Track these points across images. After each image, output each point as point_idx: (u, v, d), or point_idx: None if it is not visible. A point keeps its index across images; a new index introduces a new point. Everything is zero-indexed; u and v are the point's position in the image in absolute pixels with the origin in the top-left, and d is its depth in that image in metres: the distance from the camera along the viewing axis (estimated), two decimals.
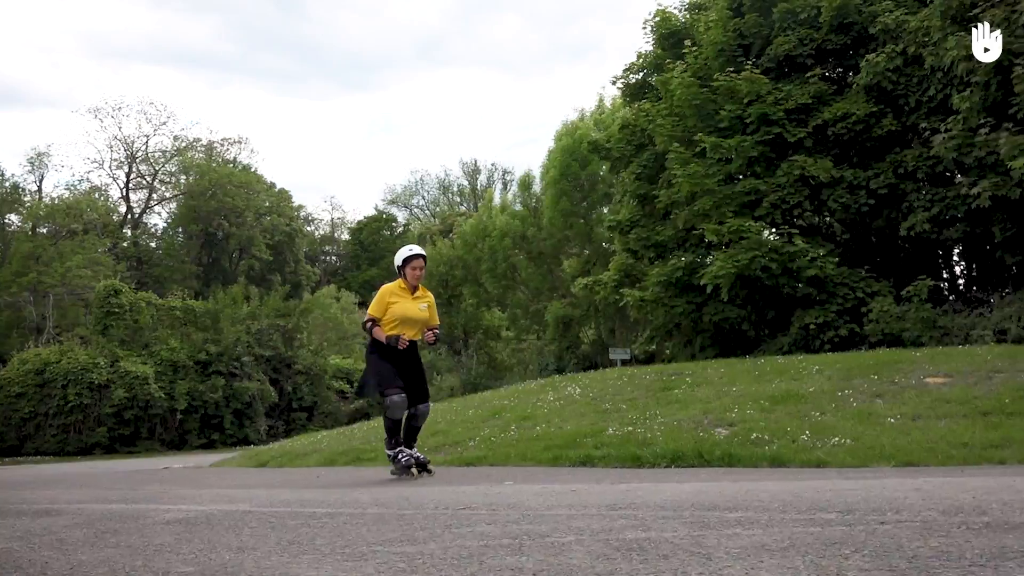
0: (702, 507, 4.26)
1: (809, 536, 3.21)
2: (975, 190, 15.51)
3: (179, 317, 25.40)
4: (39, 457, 23.23)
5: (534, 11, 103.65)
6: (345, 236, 75.25)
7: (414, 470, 7.58)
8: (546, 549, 3.18)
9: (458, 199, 71.64)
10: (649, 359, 22.52)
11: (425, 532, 3.75)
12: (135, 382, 22.18)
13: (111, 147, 62.97)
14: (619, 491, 5.39)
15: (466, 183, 71.34)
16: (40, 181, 55.70)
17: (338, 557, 3.24)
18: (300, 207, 72.35)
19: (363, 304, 57.38)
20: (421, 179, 77.14)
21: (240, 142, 68.81)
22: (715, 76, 18.52)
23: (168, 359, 23.64)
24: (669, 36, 21.85)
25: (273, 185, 64.35)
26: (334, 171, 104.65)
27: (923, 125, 16.88)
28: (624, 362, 23.86)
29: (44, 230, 52.59)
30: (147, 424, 22.99)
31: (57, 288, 45.21)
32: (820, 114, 18.02)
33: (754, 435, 8.87)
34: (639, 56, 22.71)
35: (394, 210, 71.11)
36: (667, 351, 20.84)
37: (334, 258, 76.71)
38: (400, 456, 7.51)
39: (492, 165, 75.05)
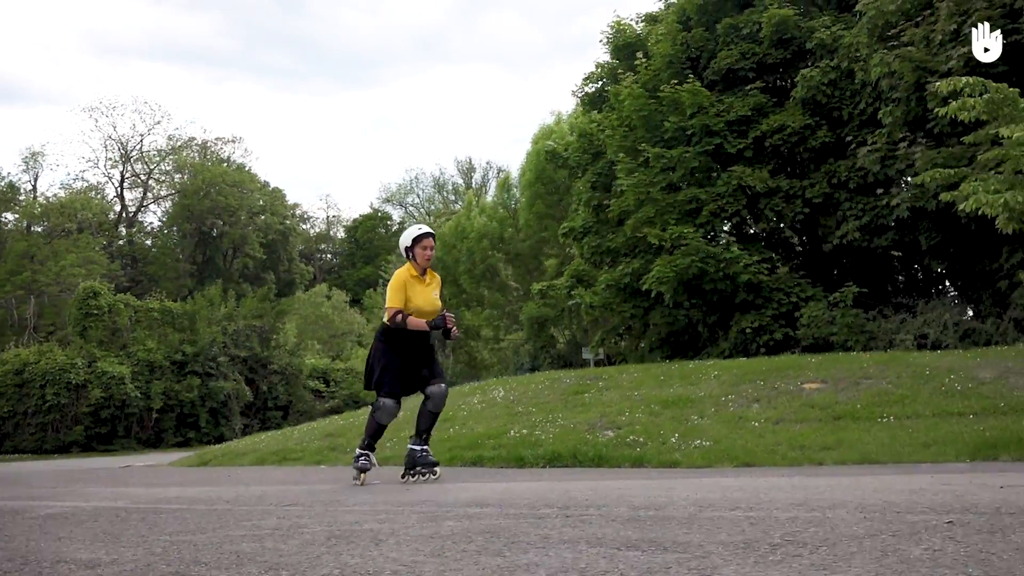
0: (476, 504, 5.11)
1: (500, 526, 4.05)
2: (895, 201, 16.39)
3: (157, 318, 26.31)
4: (17, 455, 24.38)
5: (535, 7, 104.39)
6: (341, 234, 76.37)
7: (364, 476, 7.00)
8: (283, 533, 4.06)
9: (452, 197, 72.44)
10: (614, 360, 23.40)
11: (209, 524, 4.64)
12: (111, 382, 23.10)
13: (106, 146, 63.93)
14: (435, 489, 6.30)
15: (461, 181, 72.17)
16: (35, 180, 56.83)
17: (117, 543, 4.12)
18: (295, 205, 73.53)
19: (355, 302, 58.53)
20: (416, 177, 77.79)
21: (234, 141, 70.02)
22: (660, 88, 19.34)
23: (145, 359, 24.57)
24: (624, 47, 22.71)
25: (267, 184, 65.51)
26: (333, 168, 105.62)
27: (849, 138, 17.72)
28: (597, 362, 24.81)
29: (39, 229, 53.72)
30: (124, 423, 23.91)
31: (52, 287, 46.36)
32: (759, 126, 18.85)
33: (631, 437, 9.77)
34: (597, 66, 23.58)
35: (389, 208, 71.91)
36: (620, 353, 21.73)
37: (330, 256, 77.74)
38: (362, 459, 6.98)
39: (487, 163, 75.68)
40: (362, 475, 6.98)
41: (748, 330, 18.22)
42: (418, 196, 73.81)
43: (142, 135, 60.02)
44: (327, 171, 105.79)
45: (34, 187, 57.26)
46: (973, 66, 15.10)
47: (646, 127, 19.86)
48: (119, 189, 59.67)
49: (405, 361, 6.92)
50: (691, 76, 19.74)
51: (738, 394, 11.22)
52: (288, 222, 66.43)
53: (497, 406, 12.82)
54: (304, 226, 76.00)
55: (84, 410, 22.91)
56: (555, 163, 25.13)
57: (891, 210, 16.89)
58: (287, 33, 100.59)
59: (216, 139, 63.03)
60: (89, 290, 25.13)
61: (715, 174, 19.13)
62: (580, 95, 24.23)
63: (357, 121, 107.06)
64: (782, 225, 19.00)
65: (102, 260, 51.56)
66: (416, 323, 6.78)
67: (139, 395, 23.54)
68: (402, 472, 7.11)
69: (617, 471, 8.60)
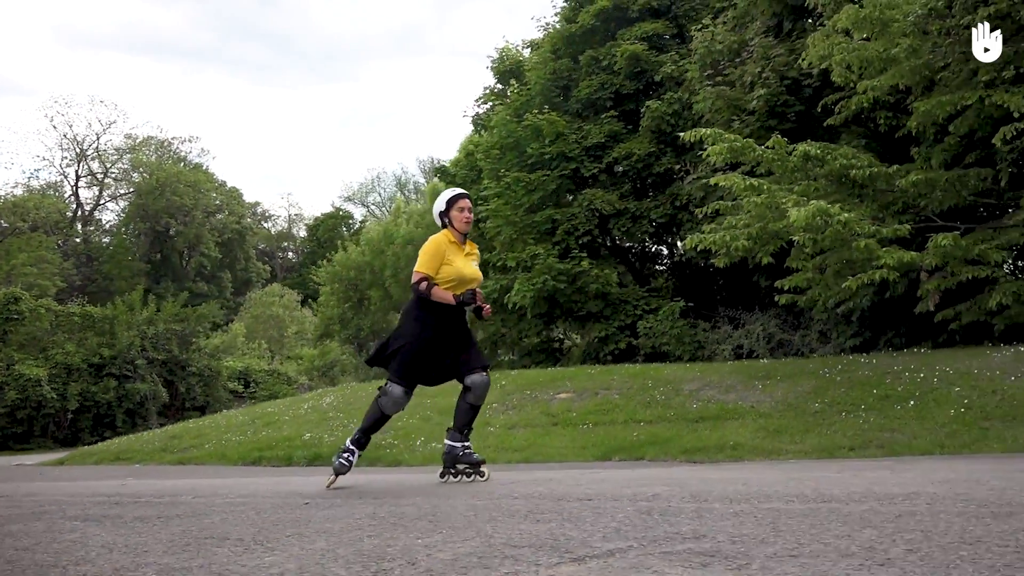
0: (174, 493, 7.22)
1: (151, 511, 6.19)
2: (713, 225, 18.59)
3: (77, 323, 28.44)
4: None
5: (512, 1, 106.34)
6: (303, 232, 78.36)
7: (335, 478, 6.20)
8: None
9: (415, 196, 74.35)
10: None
11: None
12: (28, 384, 25.17)
13: (61, 145, 65.96)
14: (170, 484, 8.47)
15: (423, 181, 74.06)
16: None
17: None
18: (256, 204, 75.69)
19: (314, 298, 60.58)
20: (378, 176, 79.86)
21: (191, 140, 72.15)
22: (524, 116, 21.52)
23: (63, 362, 26.65)
24: (507, 72, 24.88)
25: (224, 183, 67.50)
26: (303, 164, 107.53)
27: (677, 166, 19.93)
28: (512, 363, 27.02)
29: None
30: (40, 423, 25.97)
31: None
32: (612, 152, 21.04)
33: (393, 440, 11.99)
34: (484, 89, 25.75)
35: (351, 207, 73.77)
36: (497, 362, 23.90)
37: (291, 254, 79.73)
38: (345, 456, 6.14)
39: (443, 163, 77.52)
40: (335, 477, 6.17)
41: (597, 339, 20.42)
42: (379, 195, 75.78)
43: (98, 134, 62.00)
44: (296, 167, 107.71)
45: None
46: (771, 107, 17.39)
47: (514, 152, 22.01)
48: (74, 188, 61.63)
49: (433, 343, 6.03)
50: (559, 103, 21.93)
51: (503, 402, 13.40)
52: (245, 221, 68.42)
53: (317, 412, 14.98)
54: (266, 224, 78.16)
55: (0, 411, 24.98)
56: (444, 179, 27.25)
57: None
58: (261, 26, 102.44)
59: (172, 138, 64.96)
60: (10, 295, 27.19)
61: (571, 196, 21.31)
62: (471, 116, 26.40)
63: (329, 117, 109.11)
64: (628, 244, 21.16)
65: (55, 260, 53.42)
66: (442, 295, 5.97)
67: (55, 396, 25.58)
68: (441, 471, 6.38)
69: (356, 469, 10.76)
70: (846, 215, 11.12)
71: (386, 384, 6.06)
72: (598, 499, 4.40)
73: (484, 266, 22.51)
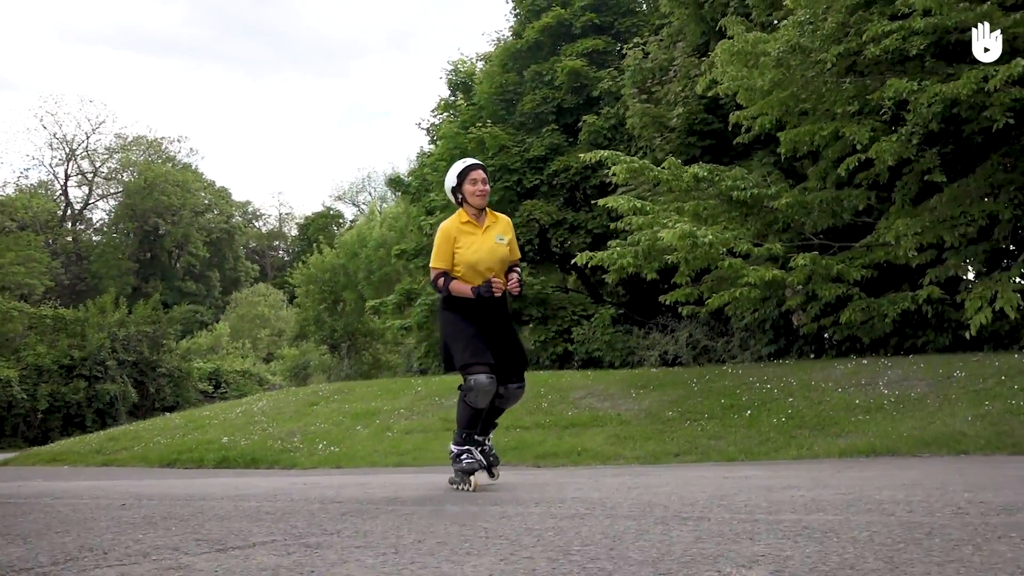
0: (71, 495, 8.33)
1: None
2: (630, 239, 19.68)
3: (50, 325, 29.65)
4: None
5: None
6: (294, 231, 79.53)
7: (474, 478, 5.69)
8: None
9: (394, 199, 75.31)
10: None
11: None
12: None
13: (51, 145, 67.25)
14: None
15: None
16: None
17: None
18: (247, 202, 77.03)
19: (293, 300, 61.78)
20: (368, 176, 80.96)
21: (180, 140, 73.46)
22: (468, 128, 22.61)
23: (34, 364, 27.86)
24: (459, 85, 25.97)
25: (213, 183, 68.78)
26: (299, 162, 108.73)
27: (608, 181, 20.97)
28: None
29: None
30: (11, 423, 27.20)
31: None
32: (552, 164, 22.12)
33: (293, 443, 13.11)
34: (439, 100, 26.85)
35: (341, 206, 74.78)
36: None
37: (282, 253, 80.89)
38: (465, 457, 5.67)
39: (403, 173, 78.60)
40: (470, 478, 5.66)
41: (536, 344, 21.52)
42: (370, 195, 76.82)
43: (87, 133, 63.26)
44: (291, 165, 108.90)
45: None
46: (690, 125, 18.45)
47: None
48: (63, 187, 62.86)
49: (481, 327, 5.63)
50: (505, 116, 23.02)
51: (410, 407, 14.52)
52: (234, 221, 69.66)
53: (248, 415, 16.10)
54: (256, 223, 79.46)
55: None
56: (396, 188, 28.33)
57: None
58: (257, 23, 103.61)
59: (161, 138, 66.16)
60: None
61: (513, 207, 22.39)
62: (426, 126, 27.49)
63: (326, 115, 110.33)
64: (568, 252, 22.25)
65: (43, 259, 54.48)
66: (460, 288, 5.60)
67: (25, 397, 26.77)
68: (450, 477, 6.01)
69: (254, 471, 11.93)
70: (711, 236, 12.19)
71: (467, 380, 5.51)
72: (283, 500, 5.36)
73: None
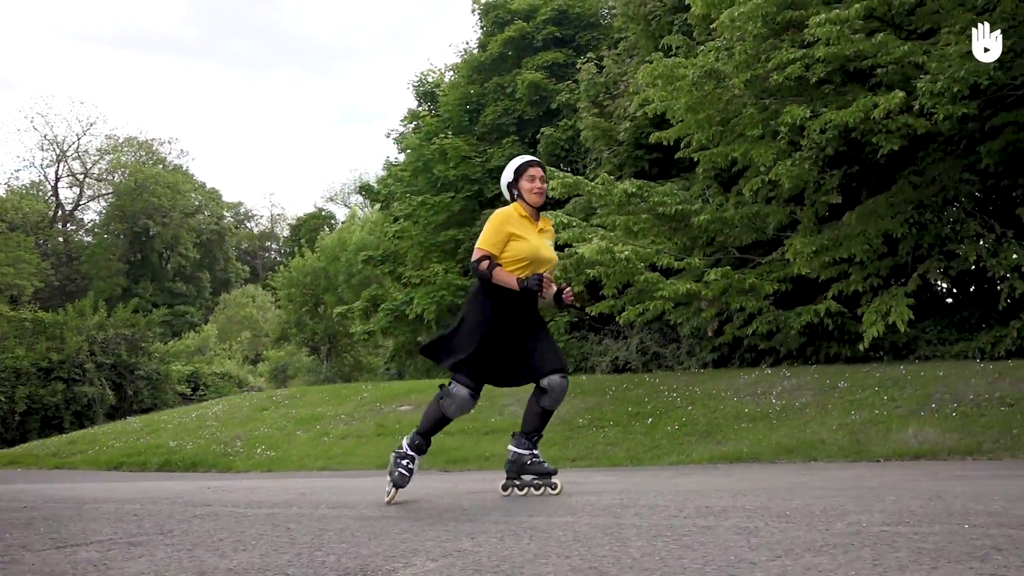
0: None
1: None
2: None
3: (29, 328, 30.51)
4: None
5: None
6: (286, 232, 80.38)
7: (395, 492, 5.46)
8: None
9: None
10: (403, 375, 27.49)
11: None
12: None
13: (42, 146, 68.25)
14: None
15: None
16: None
17: None
18: (239, 203, 77.95)
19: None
20: (360, 177, 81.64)
21: (170, 142, 74.41)
22: (432, 140, 23.44)
23: (12, 366, 28.73)
24: (427, 95, 26.81)
25: (203, 184, 69.77)
26: (296, 162, 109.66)
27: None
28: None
29: None
30: None
31: None
32: None
33: (241, 448, 13.92)
34: (408, 111, 27.71)
35: (334, 207, 75.54)
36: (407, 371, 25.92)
37: (274, 254, 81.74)
38: (400, 463, 5.42)
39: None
40: (394, 490, 5.46)
41: None
42: (361, 196, 77.49)
43: (78, 135, 64.10)
44: (288, 165, 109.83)
45: None
46: (636, 139, 19.23)
47: (424, 174, 23.95)
48: (54, 188, 63.73)
49: (501, 333, 5.35)
50: (468, 127, 23.85)
51: (351, 413, 15.32)
52: (224, 222, 70.58)
53: (201, 420, 16.89)
54: (248, 224, 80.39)
55: None
56: (366, 195, 29.20)
57: None
58: (253, 22, 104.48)
59: (151, 139, 67.06)
60: None
61: (474, 215, 23.22)
62: (395, 136, 28.34)
63: (323, 114, 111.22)
64: None
65: (33, 260, 55.42)
66: (504, 278, 5.28)
67: (3, 399, 27.64)
68: (503, 482, 5.74)
69: (192, 473, 12.75)
70: (628, 251, 12.99)
71: (449, 384, 5.30)
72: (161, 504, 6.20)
73: (409, 279, 24.60)
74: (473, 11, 25.69)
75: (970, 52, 11.05)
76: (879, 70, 11.91)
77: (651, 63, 14.02)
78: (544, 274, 5.28)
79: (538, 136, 22.72)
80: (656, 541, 3.18)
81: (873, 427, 9.38)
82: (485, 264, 5.31)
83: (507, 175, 5.72)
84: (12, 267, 52.61)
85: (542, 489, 5.43)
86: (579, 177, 15.67)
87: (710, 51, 13.54)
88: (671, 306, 13.56)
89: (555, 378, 5.30)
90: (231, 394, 35.62)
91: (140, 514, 4.94)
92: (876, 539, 3.06)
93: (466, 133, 23.92)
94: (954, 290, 13.34)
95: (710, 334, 14.55)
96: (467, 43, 26.99)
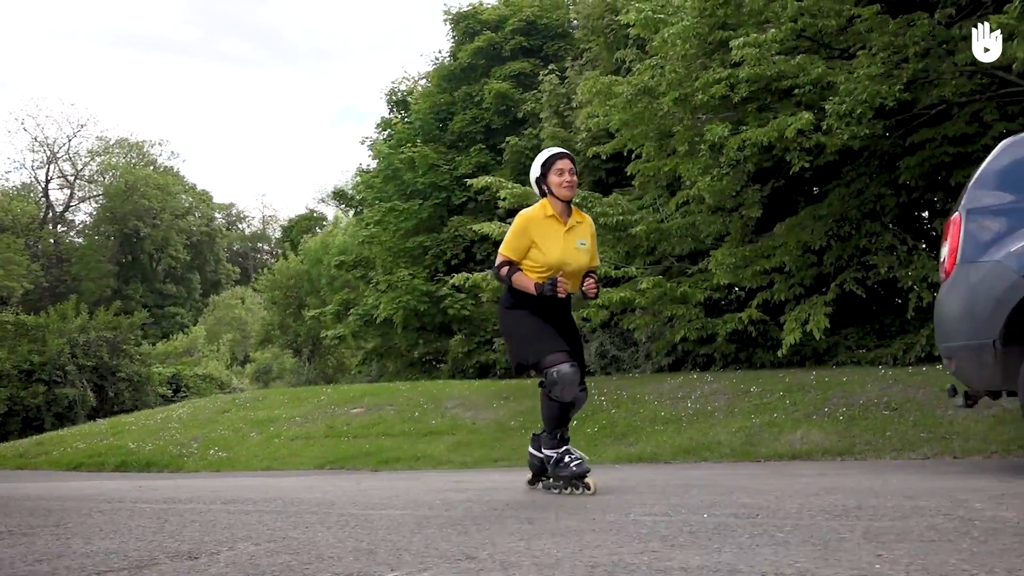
0: None
1: None
2: None
3: (11, 331, 31.24)
4: None
5: None
6: (277, 233, 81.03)
7: (590, 478, 5.28)
8: None
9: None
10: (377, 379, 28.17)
11: None
12: None
13: (32, 148, 69.09)
14: None
15: None
16: None
17: None
18: (231, 204, 78.75)
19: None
20: (345, 180, 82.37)
21: (161, 144, 75.20)
22: (402, 148, 24.16)
23: None
24: (399, 103, 27.54)
25: (194, 186, 70.56)
26: (292, 163, 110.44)
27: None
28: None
29: None
30: None
31: None
32: (478, 182, 23.61)
33: (195, 449, 14.60)
34: (381, 119, 28.43)
35: (325, 209, 76.03)
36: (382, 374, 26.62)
37: (266, 255, 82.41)
38: (570, 459, 5.27)
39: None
40: (585, 480, 5.25)
41: (461, 354, 23.04)
42: (354, 197, 78.03)
43: (69, 136, 64.94)
44: (283, 166, 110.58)
45: None
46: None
47: (394, 181, 24.66)
48: (44, 189, 64.43)
49: (550, 321, 5.35)
50: (438, 135, 24.58)
51: (305, 415, 15.97)
52: (215, 224, 71.36)
53: (165, 422, 17.51)
54: (240, 225, 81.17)
55: None
56: (338, 200, 29.90)
57: None
58: (249, 22, 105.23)
59: (142, 141, 67.81)
60: None
61: (442, 222, 23.95)
62: (368, 144, 29.05)
63: (319, 115, 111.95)
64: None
65: (23, 261, 56.12)
66: (523, 282, 5.27)
67: None
68: (530, 477, 5.89)
69: (136, 473, 13.41)
70: None
71: (549, 372, 5.10)
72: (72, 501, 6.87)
73: (378, 283, 25.25)
74: (445, 21, 26.39)
75: (881, 74, 11.75)
76: (797, 90, 12.51)
77: (590, 80, 14.75)
78: (559, 277, 5.20)
79: (503, 145, 23.43)
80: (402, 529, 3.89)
81: (768, 430, 10.06)
82: (505, 270, 5.33)
83: (535, 170, 5.59)
84: (2, 269, 53.33)
85: (578, 488, 5.25)
86: (527, 188, 16.36)
87: (645, 70, 14.22)
88: (604, 313, 14.25)
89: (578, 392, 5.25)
90: (212, 396, 36.37)
91: (53, 509, 5.37)
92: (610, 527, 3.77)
93: (436, 141, 24.62)
94: (871, 300, 14.02)
95: (644, 340, 15.26)
96: (439, 52, 27.44)
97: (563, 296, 5.25)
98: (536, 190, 5.63)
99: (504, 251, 5.36)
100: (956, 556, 2.69)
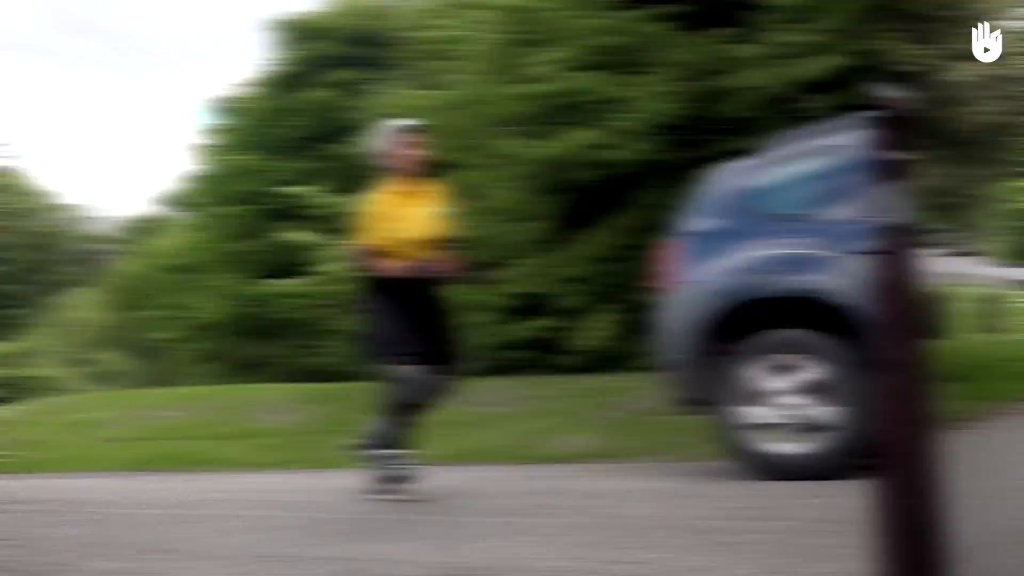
0: None
1: None
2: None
3: None
4: None
5: None
6: (122, 235, 78.63)
7: (404, 489, 5.16)
8: None
9: None
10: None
11: None
12: None
13: None
14: None
15: None
16: None
17: None
18: (78, 205, 76.08)
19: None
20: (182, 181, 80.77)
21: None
22: (225, 154, 23.92)
23: None
24: (227, 110, 27.21)
25: (38, 187, 68.09)
26: (138, 161, 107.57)
27: None
28: None
29: None
30: None
31: None
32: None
33: (7, 451, 14.10)
34: (206, 125, 28.04)
35: (161, 210, 74.15)
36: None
37: (113, 256, 79.82)
38: (387, 463, 5.15)
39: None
40: (400, 486, 5.11)
41: (285, 358, 22.96)
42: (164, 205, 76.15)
43: None
44: (131, 165, 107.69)
45: None
46: None
47: (220, 186, 24.40)
48: None
49: (411, 315, 5.04)
50: (263, 142, 24.41)
51: (128, 416, 15.56)
52: (59, 225, 69.00)
53: (84, 423, 16.41)
54: (90, 226, 78.61)
55: None
56: (167, 204, 29.43)
57: None
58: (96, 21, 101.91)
59: None
60: None
61: (267, 228, 23.76)
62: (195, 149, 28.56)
63: (167, 113, 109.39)
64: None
65: None
66: (382, 265, 5.03)
67: None
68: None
69: None
70: None
71: (395, 374, 4.91)
72: None
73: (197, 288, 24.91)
74: (272, 27, 26.13)
75: (661, 92, 12.25)
76: (587, 107, 12.91)
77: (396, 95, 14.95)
78: (426, 259, 5.03)
79: (325, 153, 23.36)
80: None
81: (544, 433, 10.34)
82: (363, 257, 5.07)
83: (377, 142, 5.31)
84: None
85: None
86: (336, 198, 16.43)
87: (449, 85, 14.51)
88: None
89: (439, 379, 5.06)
90: (43, 398, 35.21)
91: None
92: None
93: (261, 149, 24.34)
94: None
95: None
96: (265, 59, 27.16)
97: (433, 275, 5.22)
98: (379, 165, 5.49)
99: (356, 239, 5.28)
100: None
